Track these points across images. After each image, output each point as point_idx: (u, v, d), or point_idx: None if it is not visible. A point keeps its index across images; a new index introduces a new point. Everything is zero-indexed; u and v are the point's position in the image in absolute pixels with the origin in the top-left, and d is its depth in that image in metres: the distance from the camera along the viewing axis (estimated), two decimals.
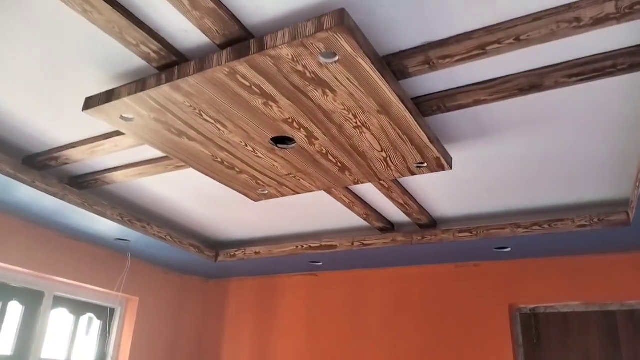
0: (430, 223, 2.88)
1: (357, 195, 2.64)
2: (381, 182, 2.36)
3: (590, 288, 2.93)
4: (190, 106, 1.68)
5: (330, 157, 1.97)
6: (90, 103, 1.74)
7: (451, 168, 1.99)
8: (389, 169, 2.03)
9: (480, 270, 3.28)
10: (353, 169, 2.06)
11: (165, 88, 1.58)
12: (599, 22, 1.31)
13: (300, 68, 1.42)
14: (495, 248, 2.95)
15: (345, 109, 1.63)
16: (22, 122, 2.11)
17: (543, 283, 3.06)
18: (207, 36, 1.49)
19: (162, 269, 3.99)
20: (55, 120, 2.09)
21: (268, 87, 1.54)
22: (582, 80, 1.55)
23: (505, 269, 3.20)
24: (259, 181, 2.26)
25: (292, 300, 3.90)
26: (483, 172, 2.32)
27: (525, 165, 2.21)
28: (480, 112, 1.83)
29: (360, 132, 1.77)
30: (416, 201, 2.63)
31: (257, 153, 1.97)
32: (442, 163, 1.94)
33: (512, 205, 2.63)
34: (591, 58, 1.50)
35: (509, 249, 2.95)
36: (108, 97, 1.70)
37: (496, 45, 1.43)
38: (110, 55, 1.65)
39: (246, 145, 1.92)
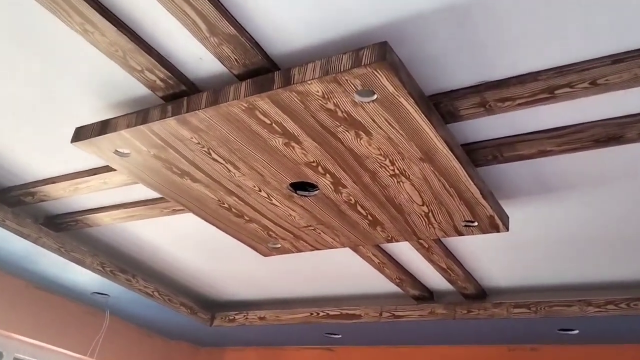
0: (478, 294, 2.86)
1: (389, 255, 2.65)
2: (420, 241, 2.37)
3: None
4: (198, 143, 1.74)
5: (360, 209, 2.00)
6: (81, 134, 1.82)
7: (507, 229, 2.00)
8: (430, 226, 2.05)
9: (539, 356, 3.21)
10: (386, 223, 2.08)
11: (170, 121, 1.65)
12: None
13: (330, 106, 1.48)
14: (559, 329, 2.90)
15: (381, 154, 1.67)
16: None
17: None
18: (224, 65, 1.56)
19: (146, 331, 4.00)
20: (36, 150, 2.17)
21: (291, 126, 1.59)
22: None
23: (570, 355, 3.13)
24: (271, 232, 2.29)
25: None
26: (546, 236, 2.31)
27: (598, 230, 2.21)
28: (545, 165, 1.85)
29: (397, 182, 1.80)
30: (462, 266, 2.63)
31: (271, 200, 2.02)
32: (496, 223, 1.96)
33: (581, 277, 2.61)
34: None
35: (576, 332, 2.90)
36: (103, 128, 1.78)
37: (567, 89, 1.47)
38: (109, 80, 1.74)
39: (260, 190, 1.97)
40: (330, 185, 1.87)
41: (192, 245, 2.88)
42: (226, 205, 2.11)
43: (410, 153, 1.65)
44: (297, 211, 2.08)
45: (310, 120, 1.56)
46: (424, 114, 1.47)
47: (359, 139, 1.61)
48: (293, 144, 1.68)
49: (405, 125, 1.52)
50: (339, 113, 1.51)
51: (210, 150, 1.77)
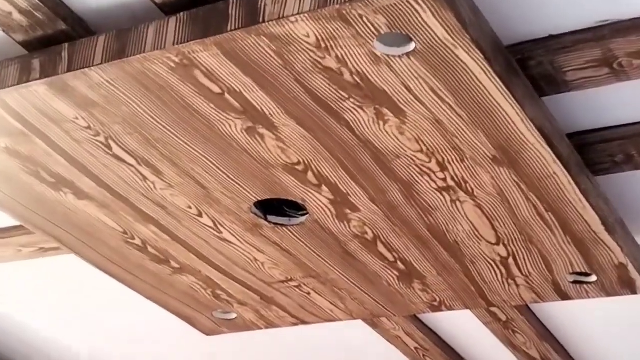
0: None
1: (435, 334, 2.66)
2: (492, 309, 2.38)
3: None
4: (89, 128, 1.75)
5: (383, 249, 2.01)
6: None
7: None
8: (511, 282, 2.06)
9: None
10: (431, 276, 2.09)
11: (38, 88, 1.66)
12: None
13: (331, 63, 1.48)
14: None
15: (421, 151, 1.68)
16: None
17: None
18: None
19: None
20: None
21: (259, 99, 1.60)
22: None
23: None
24: (219, 292, 2.30)
25: None
26: None
27: None
28: None
29: (452, 201, 1.82)
30: (570, 357, 2.64)
31: (220, 231, 2.03)
32: (630, 278, 1.97)
33: None
34: None
35: None
36: None
37: None
38: None
39: (199, 215, 1.98)
40: (329, 207, 1.89)
41: (75, 314, 2.88)
42: (137, 242, 2.11)
43: (475, 149, 1.66)
44: (267, 253, 2.09)
45: (295, 88, 1.56)
46: (500, 79, 1.48)
47: (381, 123, 1.62)
48: (262, 130, 1.68)
49: (467, 99, 1.53)
50: (347, 76, 1.51)
51: (111, 142, 1.78)
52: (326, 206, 1.89)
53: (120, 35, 1.59)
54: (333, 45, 1.45)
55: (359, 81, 1.52)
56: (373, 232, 1.95)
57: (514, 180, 1.72)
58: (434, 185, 1.78)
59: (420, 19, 1.37)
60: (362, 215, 1.90)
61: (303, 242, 2.02)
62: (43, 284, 2.76)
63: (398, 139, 1.66)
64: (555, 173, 1.69)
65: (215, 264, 2.16)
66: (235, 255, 2.11)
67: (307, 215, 1.93)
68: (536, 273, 2.01)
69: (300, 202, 1.89)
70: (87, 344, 3.09)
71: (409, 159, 1.71)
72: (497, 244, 1.93)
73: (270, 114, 1.64)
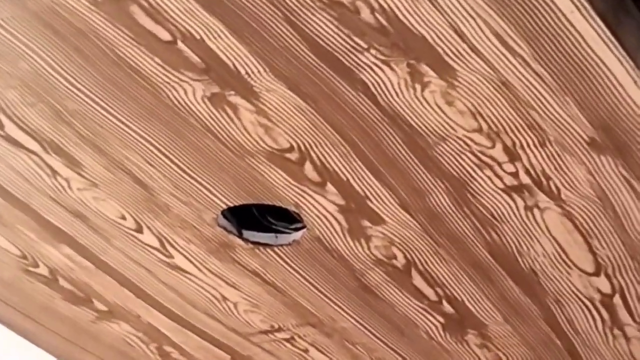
0: None
1: None
2: None
3: None
4: None
5: (419, 282, 2.02)
6: None
7: None
8: (617, 333, 2.07)
9: None
10: (493, 323, 2.11)
11: None
12: None
13: None
14: None
15: (479, 130, 1.68)
16: None
17: None
18: None
19: None
20: None
21: (230, 49, 1.59)
22: None
23: None
24: (167, 348, 2.32)
25: None
26: None
27: None
28: None
29: (526, 208, 1.82)
30: None
31: (171, 255, 2.04)
32: None
33: None
34: None
35: None
36: None
37: None
38: None
39: (139, 229, 1.98)
40: (338, 217, 1.89)
41: None
42: (43, 271, 2.12)
43: (563, 128, 1.65)
44: (242, 288, 2.10)
45: (285, 34, 1.56)
46: (602, 20, 1.47)
47: (418, 88, 1.61)
48: (234, 98, 1.68)
49: (550, 51, 1.52)
50: (365, 14, 1.50)
51: (3, 116, 1.78)
52: (333, 216, 1.88)
53: None
54: None
55: (384, 22, 1.51)
56: (405, 256, 1.95)
57: (622, 176, 1.71)
58: (498, 184, 1.77)
59: None
60: (389, 229, 1.89)
61: (297, 272, 2.02)
62: None
63: (444, 112, 1.65)
64: None
65: (161, 304, 2.16)
66: (193, 292, 2.11)
67: (304, 229, 1.92)
68: None
69: (293, 209, 1.88)
70: None
71: (461, 142, 1.70)
72: (597, 274, 1.92)
73: (247, 73, 1.63)
